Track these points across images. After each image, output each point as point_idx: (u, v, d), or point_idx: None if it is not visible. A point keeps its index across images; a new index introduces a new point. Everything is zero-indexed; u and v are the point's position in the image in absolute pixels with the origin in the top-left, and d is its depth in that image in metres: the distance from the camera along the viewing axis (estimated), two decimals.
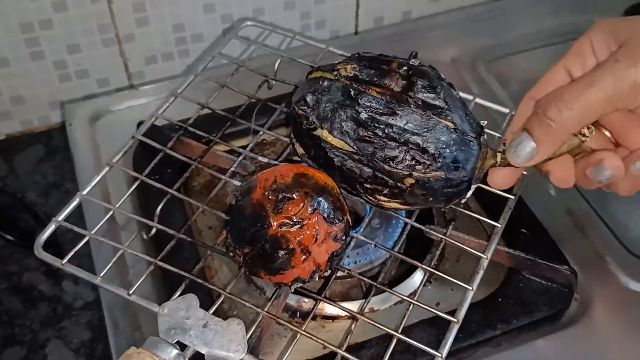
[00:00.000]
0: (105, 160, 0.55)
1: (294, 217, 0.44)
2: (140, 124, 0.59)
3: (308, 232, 0.45)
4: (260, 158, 0.55)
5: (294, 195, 0.45)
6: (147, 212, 0.54)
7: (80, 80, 0.72)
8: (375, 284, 0.49)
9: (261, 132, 0.58)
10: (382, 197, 0.47)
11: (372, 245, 0.51)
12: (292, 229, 0.44)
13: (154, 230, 0.52)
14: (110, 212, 0.52)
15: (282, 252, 0.45)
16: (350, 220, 0.47)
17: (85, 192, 0.53)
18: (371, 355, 0.48)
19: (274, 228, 0.44)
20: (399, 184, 0.45)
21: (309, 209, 0.45)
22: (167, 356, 0.42)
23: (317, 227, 0.45)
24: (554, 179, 0.43)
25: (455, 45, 0.74)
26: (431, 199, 0.46)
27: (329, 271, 0.47)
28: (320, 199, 0.45)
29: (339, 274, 0.50)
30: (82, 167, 0.63)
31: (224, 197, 0.61)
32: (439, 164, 0.44)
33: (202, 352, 0.43)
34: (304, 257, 0.45)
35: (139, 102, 0.70)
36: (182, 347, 0.43)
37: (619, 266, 0.57)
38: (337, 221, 0.46)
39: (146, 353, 0.41)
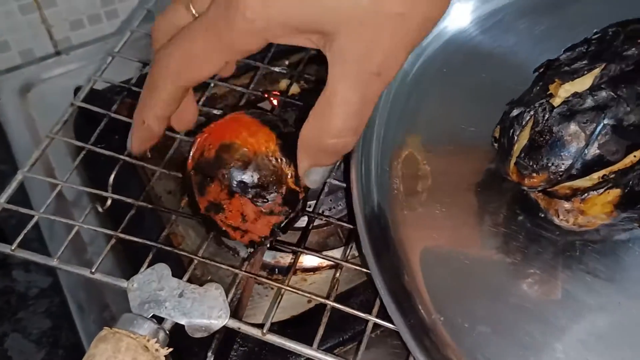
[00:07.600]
0: (44, 133, 0.50)
1: (215, 202, 0.41)
2: (77, 89, 0.54)
3: (234, 216, 0.41)
4: (214, 112, 0.52)
5: (213, 177, 0.41)
6: (98, 183, 0.49)
7: (1, 55, 0.66)
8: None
9: (212, 84, 0.54)
10: None
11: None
12: (217, 214, 0.41)
13: (109, 202, 0.47)
14: (58, 188, 0.47)
15: (216, 232, 0.42)
16: (293, 186, 0.42)
17: (27, 169, 0.48)
18: (360, 302, 0.45)
19: (202, 210, 0.42)
20: None
21: (228, 193, 0.40)
22: (145, 332, 0.38)
23: (242, 209, 0.41)
24: None
25: None
26: None
27: (280, 235, 0.43)
28: (242, 177, 0.40)
29: (316, 222, 0.47)
30: (19, 145, 0.58)
31: (181, 158, 0.57)
32: None
33: (182, 322, 0.40)
34: (240, 234, 0.42)
35: (72, 67, 0.64)
36: (160, 320, 0.40)
37: None
38: (267, 199, 0.41)
39: (122, 332, 0.37)
